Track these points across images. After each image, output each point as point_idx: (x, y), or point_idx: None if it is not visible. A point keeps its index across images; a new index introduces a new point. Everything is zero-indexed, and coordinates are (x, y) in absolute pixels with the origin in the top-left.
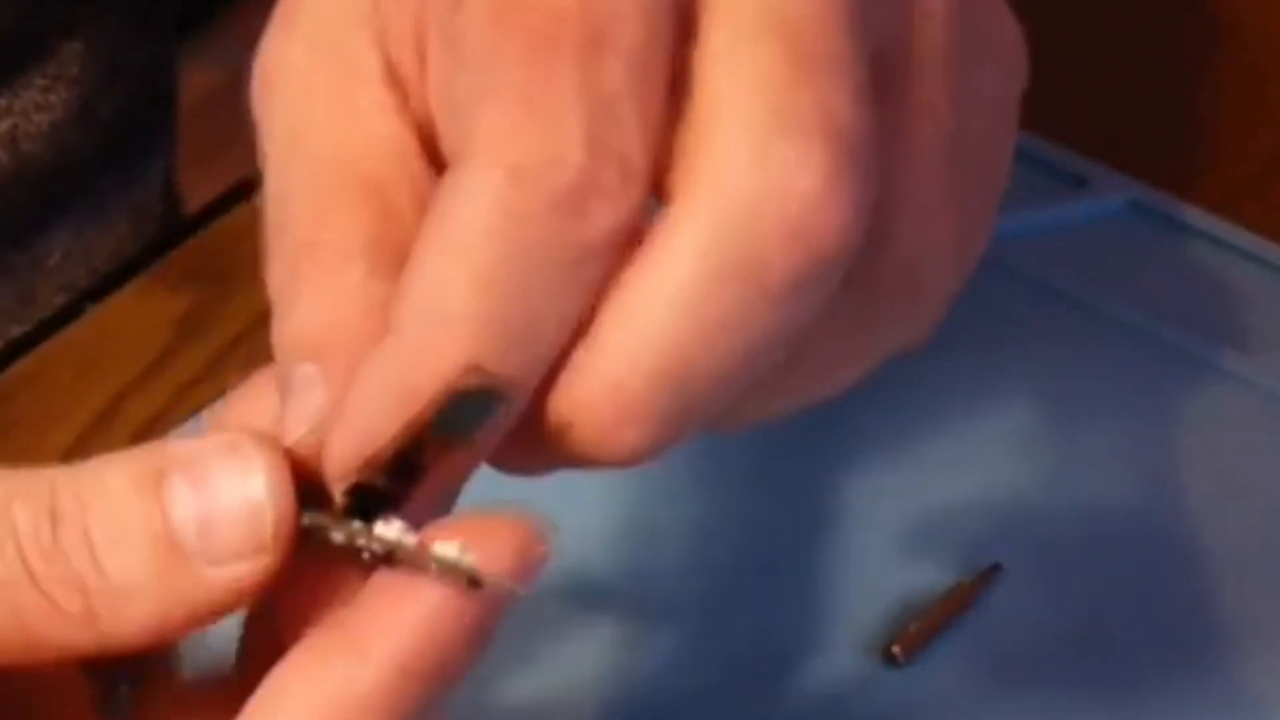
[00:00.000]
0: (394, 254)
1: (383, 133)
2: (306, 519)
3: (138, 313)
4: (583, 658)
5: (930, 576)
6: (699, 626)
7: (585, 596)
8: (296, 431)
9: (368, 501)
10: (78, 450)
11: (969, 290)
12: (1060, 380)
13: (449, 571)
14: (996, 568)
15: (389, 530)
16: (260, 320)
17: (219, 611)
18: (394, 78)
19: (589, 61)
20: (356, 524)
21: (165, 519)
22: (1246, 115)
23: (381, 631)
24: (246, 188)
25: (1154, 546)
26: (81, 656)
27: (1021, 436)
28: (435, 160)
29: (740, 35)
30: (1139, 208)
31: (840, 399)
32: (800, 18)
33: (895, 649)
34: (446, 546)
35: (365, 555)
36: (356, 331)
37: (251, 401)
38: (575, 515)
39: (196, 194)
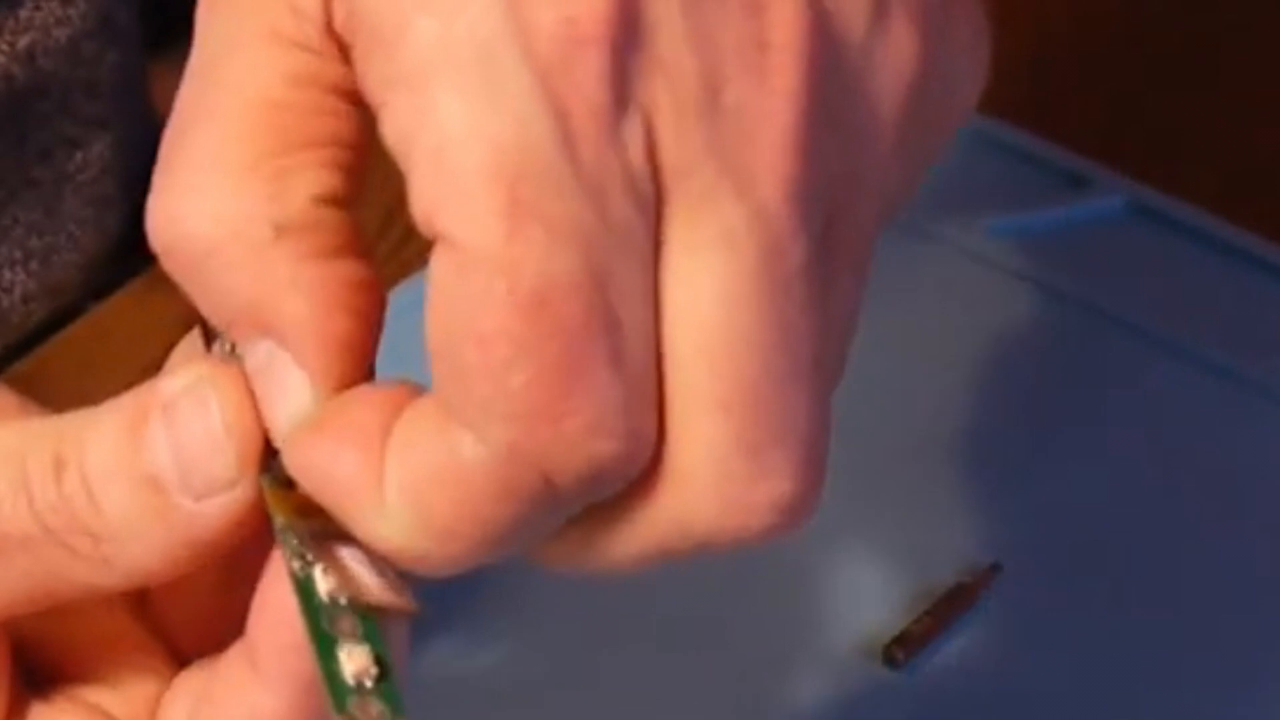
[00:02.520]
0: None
1: (296, 67)
2: (266, 479)
3: (138, 313)
4: (582, 657)
5: (930, 576)
6: (700, 627)
7: (585, 596)
8: (283, 425)
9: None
10: None
11: (969, 290)
12: (1060, 380)
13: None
14: (996, 568)
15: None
16: None
17: (222, 542)
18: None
19: (617, 354)
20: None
21: (145, 460)
22: (1246, 115)
23: None
24: None
25: (1154, 547)
26: (115, 594)
27: (1022, 436)
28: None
29: (712, 341)
30: (1138, 208)
31: (837, 399)
32: (764, 333)
33: (895, 649)
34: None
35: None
36: (238, 229)
37: None
38: None
39: None
